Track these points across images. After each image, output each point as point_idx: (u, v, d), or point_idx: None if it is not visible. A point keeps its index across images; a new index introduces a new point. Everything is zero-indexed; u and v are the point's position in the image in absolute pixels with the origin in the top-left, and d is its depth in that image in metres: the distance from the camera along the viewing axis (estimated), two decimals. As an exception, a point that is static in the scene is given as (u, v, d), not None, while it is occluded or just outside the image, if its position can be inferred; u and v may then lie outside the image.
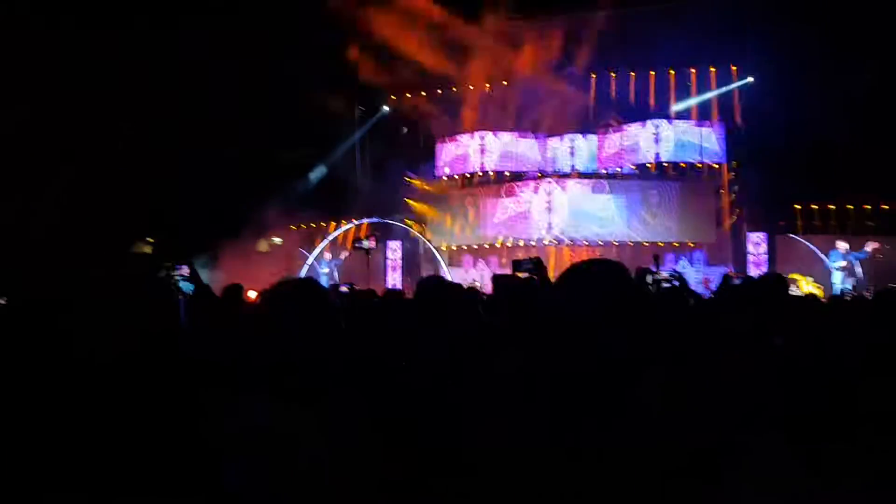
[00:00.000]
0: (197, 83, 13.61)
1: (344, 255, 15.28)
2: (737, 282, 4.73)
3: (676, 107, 16.29)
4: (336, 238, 16.73)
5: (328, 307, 1.69)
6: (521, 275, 5.29)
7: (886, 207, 15.13)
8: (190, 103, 13.83)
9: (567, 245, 16.31)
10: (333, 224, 17.49)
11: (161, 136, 14.34)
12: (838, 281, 12.01)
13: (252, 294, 8.54)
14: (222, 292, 5.68)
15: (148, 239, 15.29)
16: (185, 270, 3.62)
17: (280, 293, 1.68)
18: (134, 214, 14.26)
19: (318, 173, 18.02)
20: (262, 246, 17.83)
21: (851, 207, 15.21)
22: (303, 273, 14.28)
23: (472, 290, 6.77)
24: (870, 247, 12.17)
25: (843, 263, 12.07)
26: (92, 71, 12.23)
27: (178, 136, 14.28)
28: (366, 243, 14.45)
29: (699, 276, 14.28)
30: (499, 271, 15.33)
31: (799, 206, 15.32)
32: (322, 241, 16.49)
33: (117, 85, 12.87)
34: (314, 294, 1.69)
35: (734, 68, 15.74)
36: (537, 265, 3.79)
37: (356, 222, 16.94)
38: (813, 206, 15.33)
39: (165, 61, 13.01)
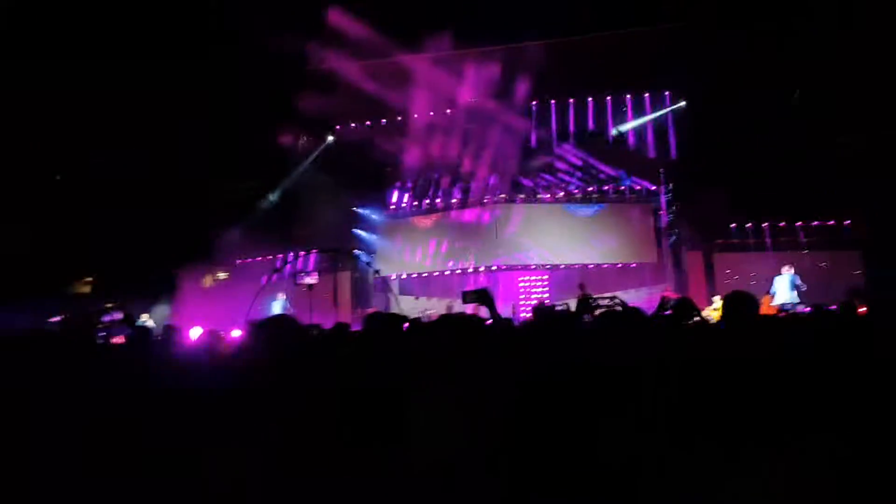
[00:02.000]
0: (138, 115, 13.33)
1: (282, 295, 14.72)
2: (672, 302, 4.89)
3: (614, 131, 16.76)
4: (282, 272, 16.49)
5: (304, 339, 1.94)
6: (466, 306, 5.32)
7: (817, 224, 15.81)
8: (131, 135, 13.54)
9: (515, 269, 16.52)
10: (281, 256, 17.25)
11: (102, 170, 13.97)
12: (787, 298, 12.22)
13: (195, 332, 8.35)
14: (161, 332, 5.61)
15: (86, 279, 14.84)
16: (118, 316, 3.55)
17: (262, 328, 1.96)
18: (72, 252, 13.80)
19: (274, 198, 17.74)
20: (208, 281, 17.49)
21: (784, 225, 15.83)
22: (259, 307, 13.85)
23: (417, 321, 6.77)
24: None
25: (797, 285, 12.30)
26: (30, 99, 11.88)
27: (118, 170, 13.93)
28: (307, 279, 14.27)
29: (640, 297, 14.66)
30: (449, 299, 15.39)
31: (734, 225, 15.87)
32: (268, 274, 16.25)
33: (58, 114, 12.53)
34: (291, 328, 1.96)
35: (668, 93, 16.36)
36: (482, 296, 3.83)
37: (302, 255, 16.77)
38: (747, 225, 15.89)
39: (109, 93, 12.70)
